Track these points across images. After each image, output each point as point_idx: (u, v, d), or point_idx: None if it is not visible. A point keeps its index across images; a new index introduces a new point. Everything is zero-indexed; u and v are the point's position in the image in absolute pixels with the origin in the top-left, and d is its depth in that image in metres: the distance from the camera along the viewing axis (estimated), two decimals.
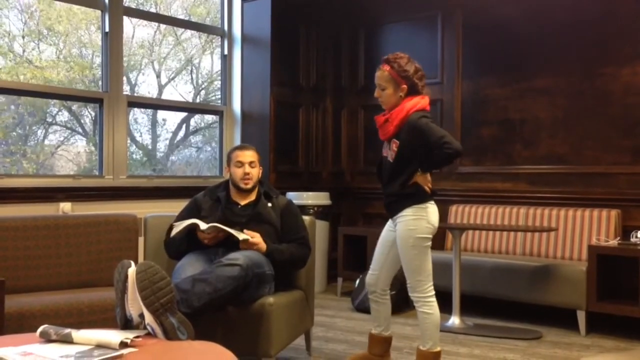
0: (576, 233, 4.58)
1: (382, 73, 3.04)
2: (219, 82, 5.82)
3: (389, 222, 3.20)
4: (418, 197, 3.01)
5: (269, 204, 3.27)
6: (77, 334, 2.05)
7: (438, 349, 3.07)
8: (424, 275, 3.03)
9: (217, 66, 5.84)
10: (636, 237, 4.13)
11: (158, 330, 2.20)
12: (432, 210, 3.04)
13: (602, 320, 4.23)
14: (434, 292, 3.07)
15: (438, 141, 2.88)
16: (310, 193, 5.49)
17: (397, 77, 2.99)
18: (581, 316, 4.11)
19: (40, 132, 4.74)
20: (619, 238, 4.36)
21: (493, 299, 4.55)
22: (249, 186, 3.25)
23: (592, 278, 4.06)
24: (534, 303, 4.37)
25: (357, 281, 4.92)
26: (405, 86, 2.99)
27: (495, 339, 4.02)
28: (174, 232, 3.07)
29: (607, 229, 4.46)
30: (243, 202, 3.27)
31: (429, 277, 3.04)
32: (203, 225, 3.01)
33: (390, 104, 3.04)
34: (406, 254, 3.04)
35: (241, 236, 2.99)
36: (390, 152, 3.06)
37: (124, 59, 4.89)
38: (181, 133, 5.72)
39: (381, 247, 3.24)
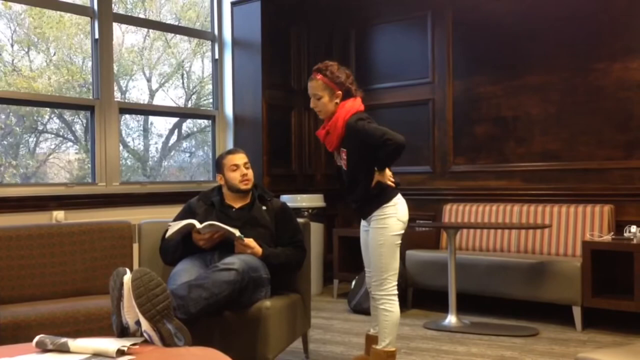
0: (570, 229, 4.59)
1: (316, 82, 3.06)
2: (211, 86, 5.82)
3: (363, 222, 3.21)
4: (384, 196, 3.02)
5: (264, 207, 3.27)
6: (74, 343, 2.04)
7: (393, 348, 3.08)
8: (390, 273, 3.05)
9: (208, 70, 5.83)
10: (630, 231, 4.15)
11: (155, 337, 2.19)
12: (400, 206, 3.06)
13: (598, 315, 4.24)
14: (397, 291, 3.08)
15: (379, 140, 2.91)
16: (305, 195, 5.48)
17: (331, 84, 3.03)
18: (577, 312, 4.12)
19: (31, 141, 4.72)
20: (612, 233, 4.38)
21: (489, 297, 4.56)
22: (249, 186, 3.25)
23: (587, 274, 4.07)
24: (530, 300, 4.38)
25: (353, 282, 4.91)
26: (340, 92, 3.03)
27: (492, 336, 4.03)
28: (169, 232, 3.06)
29: (600, 224, 4.48)
30: (237, 206, 3.27)
31: (395, 276, 3.06)
32: (199, 225, 3.00)
33: (327, 112, 3.07)
34: (375, 251, 3.05)
35: (237, 232, 2.99)
36: (342, 161, 3.09)
37: (114, 65, 4.87)
38: (173, 138, 5.71)
39: (364, 247, 3.25)
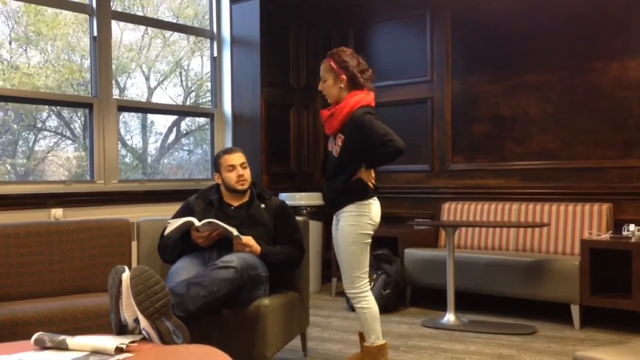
0: (568, 228, 4.60)
1: (324, 65, 3.08)
2: (209, 84, 5.81)
3: (334, 219, 3.19)
4: (361, 193, 3.01)
5: (262, 206, 3.27)
6: (72, 341, 2.04)
7: (382, 342, 3.08)
8: (361, 271, 3.03)
9: (207, 68, 5.82)
10: (628, 230, 4.15)
11: (153, 335, 2.19)
12: (374, 207, 3.04)
13: (596, 314, 4.25)
14: (369, 287, 3.08)
15: (381, 139, 2.89)
16: (303, 194, 5.48)
17: (336, 68, 3.02)
18: (575, 310, 4.13)
19: (30, 138, 4.72)
20: (610, 232, 4.38)
21: (487, 295, 4.57)
22: (245, 187, 3.25)
23: (585, 272, 4.08)
24: (528, 298, 4.39)
25: None
26: (344, 77, 3.01)
27: (490, 335, 4.03)
28: (168, 229, 3.06)
29: (599, 223, 4.48)
30: (236, 204, 3.27)
31: (366, 274, 3.06)
32: (198, 222, 3.00)
33: (332, 96, 3.07)
34: (345, 249, 3.04)
35: (235, 231, 2.99)
36: (335, 147, 3.07)
37: (113, 62, 4.87)
38: (172, 136, 5.70)
39: (335, 247, 3.22)
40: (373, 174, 3.08)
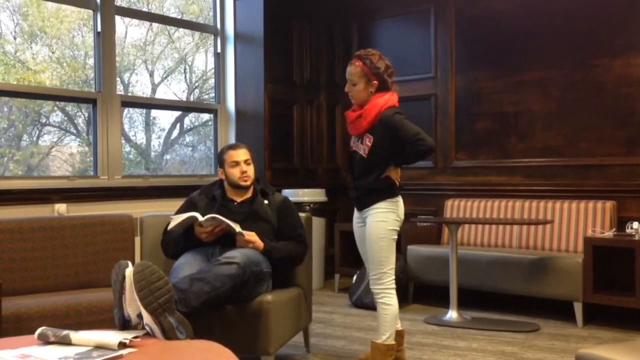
0: (572, 225, 4.59)
1: (355, 68, 3.08)
2: (213, 81, 5.81)
3: (356, 216, 3.22)
4: (390, 191, 3.06)
5: (265, 202, 3.27)
6: (76, 336, 2.05)
7: (392, 342, 3.08)
8: (388, 267, 3.06)
9: (211, 64, 5.82)
10: (631, 228, 4.14)
11: (157, 330, 2.20)
12: (401, 204, 3.12)
13: (598, 311, 4.25)
14: (395, 285, 3.09)
15: (412, 138, 2.93)
16: (306, 190, 5.48)
17: (368, 73, 3.05)
18: (578, 308, 4.12)
19: (34, 133, 4.72)
20: (614, 229, 4.37)
21: (490, 292, 4.57)
22: (248, 183, 3.26)
23: (588, 270, 4.07)
24: (531, 296, 4.39)
25: (355, 277, 4.92)
26: (376, 82, 3.05)
27: (493, 332, 4.03)
28: (171, 225, 3.06)
29: (602, 220, 4.48)
30: (239, 200, 3.28)
31: (393, 270, 3.08)
32: (201, 217, 3.01)
33: (360, 100, 3.10)
34: (374, 245, 3.06)
35: (238, 228, 2.99)
36: (362, 146, 3.09)
37: (117, 58, 4.87)
38: (175, 132, 5.71)
39: (360, 244, 3.25)
40: (399, 173, 3.11)
